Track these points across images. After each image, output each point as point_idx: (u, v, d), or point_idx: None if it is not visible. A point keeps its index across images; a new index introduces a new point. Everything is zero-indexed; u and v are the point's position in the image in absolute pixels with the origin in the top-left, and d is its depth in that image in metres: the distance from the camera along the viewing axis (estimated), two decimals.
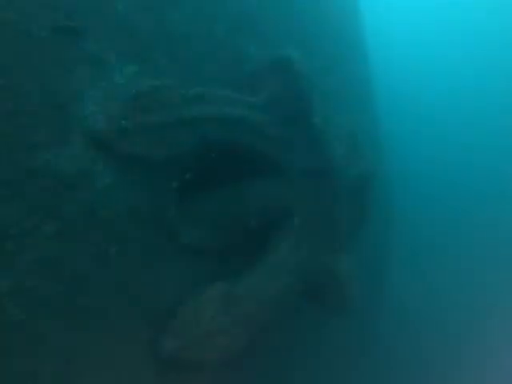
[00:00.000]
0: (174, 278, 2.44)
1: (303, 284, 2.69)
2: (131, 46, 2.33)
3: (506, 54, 14.43)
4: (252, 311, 2.45)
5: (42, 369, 1.82)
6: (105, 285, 2.08)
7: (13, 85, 1.78)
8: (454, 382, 6.92)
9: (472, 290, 9.12)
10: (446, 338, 7.96)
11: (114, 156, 2.10)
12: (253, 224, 2.69)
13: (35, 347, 1.81)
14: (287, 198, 2.70)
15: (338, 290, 2.72)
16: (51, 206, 1.88)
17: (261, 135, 2.43)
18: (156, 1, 2.45)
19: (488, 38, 14.63)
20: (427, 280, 9.72)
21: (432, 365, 7.35)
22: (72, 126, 1.97)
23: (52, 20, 1.95)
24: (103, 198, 2.09)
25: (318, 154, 2.60)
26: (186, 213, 2.53)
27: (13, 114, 1.77)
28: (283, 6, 3.62)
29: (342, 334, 4.43)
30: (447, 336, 8.00)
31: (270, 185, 2.68)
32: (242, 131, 2.37)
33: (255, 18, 3.31)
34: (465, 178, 12.74)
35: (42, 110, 1.87)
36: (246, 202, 2.66)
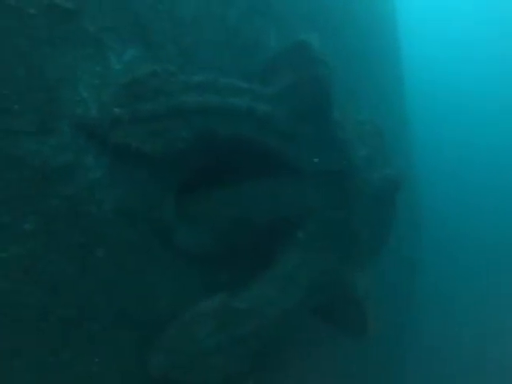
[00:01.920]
0: (167, 287, 2.28)
1: (314, 300, 2.46)
2: (133, 29, 2.20)
3: None
4: (254, 328, 2.25)
5: None
6: (89, 292, 1.94)
7: None
8: None
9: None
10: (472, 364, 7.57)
11: (106, 147, 1.98)
12: (259, 229, 2.50)
13: (5, 363, 1.68)
14: (299, 201, 2.49)
15: (354, 310, 2.48)
16: (32, 200, 1.77)
17: (270, 129, 2.24)
18: None
19: None
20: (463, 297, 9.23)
21: None
22: (60, 113, 1.85)
23: None
24: (91, 193, 1.96)
25: (336, 154, 2.37)
26: (184, 214, 2.37)
27: None
28: None
29: (361, 360, 4.14)
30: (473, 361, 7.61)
31: (279, 186, 2.48)
32: (248, 124, 2.19)
33: (274, 2, 3.15)
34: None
35: (27, 92, 1.76)
36: (252, 204, 2.47)
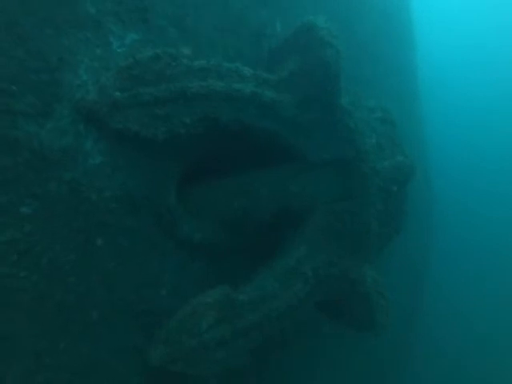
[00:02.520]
0: (169, 277, 2.23)
1: (320, 294, 2.39)
2: (135, 13, 2.17)
3: None
4: (257, 322, 2.19)
5: (7, 371, 1.67)
6: (87, 280, 1.91)
7: None
8: None
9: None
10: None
11: (106, 132, 1.94)
12: (264, 220, 2.43)
13: (1, 349, 1.66)
14: (306, 192, 2.41)
15: (362, 305, 2.39)
16: (29, 184, 1.74)
17: (275, 116, 2.18)
18: None
19: None
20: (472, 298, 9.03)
21: None
22: (59, 96, 1.82)
23: None
24: (91, 179, 1.92)
25: (344, 142, 2.29)
26: (188, 202, 2.33)
27: None
28: None
29: (369, 355, 4.04)
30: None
31: (285, 176, 2.41)
32: (253, 111, 2.13)
33: None
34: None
35: (26, 74, 1.73)
36: (257, 194, 2.41)
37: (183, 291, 2.25)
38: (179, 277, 2.29)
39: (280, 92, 2.22)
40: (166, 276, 2.24)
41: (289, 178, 2.40)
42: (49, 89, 1.80)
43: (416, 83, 5.75)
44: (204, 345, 2.05)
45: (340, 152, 2.31)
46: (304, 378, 3.26)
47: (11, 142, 1.69)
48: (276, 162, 2.43)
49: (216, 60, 2.17)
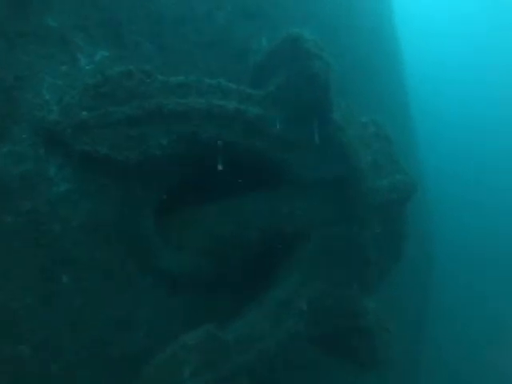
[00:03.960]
0: (145, 318, 2.00)
1: (316, 329, 2.15)
2: (106, 28, 2.02)
3: None
4: (245, 365, 1.94)
5: None
6: (47, 325, 1.66)
7: None
8: None
9: None
10: None
11: (72, 156, 1.74)
12: (253, 249, 2.22)
13: None
14: (299, 214, 2.21)
15: (362, 341, 2.16)
16: None
17: (262, 133, 2.01)
18: None
19: None
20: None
21: None
22: (16, 117, 1.63)
23: None
24: (54, 208, 1.71)
25: (337, 159, 2.11)
26: (169, 232, 2.11)
27: None
28: None
29: None
30: None
31: (276, 199, 2.21)
32: (237, 128, 1.96)
33: (268, 4, 2.98)
34: None
35: None
36: (245, 220, 2.20)
37: (162, 332, 2.00)
38: (158, 315, 2.05)
39: (266, 108, 2.06)
40: (142, 315, 2.00)
41: (280, 202, 2.20)
42: (4, 109, 1.61)
43: (406, 97, 5.71)
44: None
45: (334, 170, 2.13)
46: None
47: None
48: (266, 184, 2.24)
49: (196, 76, 2.01)
